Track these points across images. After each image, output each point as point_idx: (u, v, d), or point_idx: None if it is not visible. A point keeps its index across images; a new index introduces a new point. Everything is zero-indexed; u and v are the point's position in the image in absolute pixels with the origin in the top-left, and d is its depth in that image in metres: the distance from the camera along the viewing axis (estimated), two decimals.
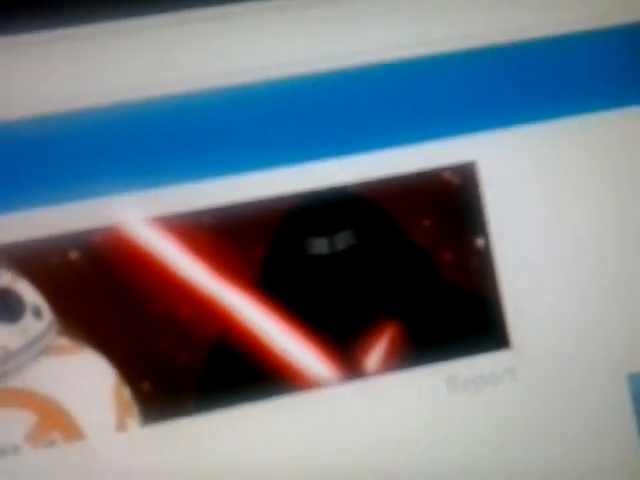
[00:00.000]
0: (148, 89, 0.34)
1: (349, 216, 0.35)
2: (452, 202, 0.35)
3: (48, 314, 0.34)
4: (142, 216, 0.34)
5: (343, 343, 0.35)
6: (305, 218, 0.35)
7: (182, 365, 0.34)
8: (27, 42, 0.33)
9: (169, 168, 0.34)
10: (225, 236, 0.35)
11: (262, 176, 0.34)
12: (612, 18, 0.37)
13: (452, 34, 0.35)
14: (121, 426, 0.33)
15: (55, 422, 0.33)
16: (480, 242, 0.35)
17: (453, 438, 0.34)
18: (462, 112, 0.35)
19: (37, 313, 0.34)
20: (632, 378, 0.35)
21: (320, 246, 0.35)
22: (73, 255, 0.34)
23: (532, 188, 0.35)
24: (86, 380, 0.34)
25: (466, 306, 0.35)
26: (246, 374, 0.34)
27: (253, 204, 0.34)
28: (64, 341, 0.34)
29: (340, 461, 0.34)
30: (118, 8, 0.34)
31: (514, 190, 0.35)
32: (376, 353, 0.35)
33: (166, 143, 0.34)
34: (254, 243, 0.35)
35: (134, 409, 0.34)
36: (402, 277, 0.35)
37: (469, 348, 0.35)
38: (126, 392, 0.34)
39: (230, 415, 0.34)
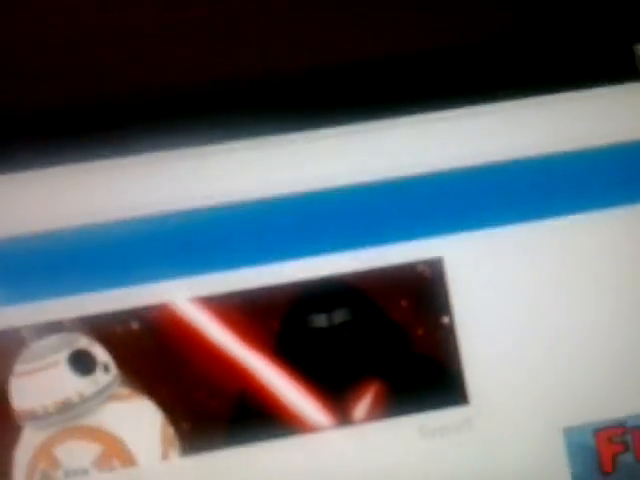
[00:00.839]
0: (192, 203, 0.45)
1: (343, 299, 0.45)
2: (424, 288, 0.45)
3: (114, 369, 0.44)
4: (185, 297, 0.45)
5: (337, 397, 0.44)
6: (309, 300, 0.45)
7: (214, 411, 0.44)
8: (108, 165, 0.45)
9: (208, 262, 0.45)
10: (248, 313, 0.45)
11: (277, 267, 0.45)
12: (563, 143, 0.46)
13: (432, 157, 0.46)
14: (165, 456, 0.44)
15: (116, 452, 0.43)
16: (445, 320, 0.45)
17: (425, 475, 0.44)
18: (431, 219, 0.45)
19: (106, 368, 0.44)
20: (567, 431, 0.44)
21: (320, 321, 0.45)
22: (134, 325, 0.45)
23: (488, 277, 0.45)
24: (140, 420, 0.44)
25: (434, 369, 0.45)
26: (262, 420, 0.44)
27: (270, 289, 0.45)
28: (125, 390, 0.44)
29: None
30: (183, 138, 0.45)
31: (473, 279, 0.45)
32: (363, 405, 0.44)
33: (206, 244, 0.45)
34: (270, 318, 0.45)
35: (176, 443, 0.44)
36: (384, 346, 0.45)
37: (436, 403, 0.44)
38: (170, 430, 0.44)
39: (250, 451, 0.44)
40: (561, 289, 0.45)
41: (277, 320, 0.45)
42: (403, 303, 0.45)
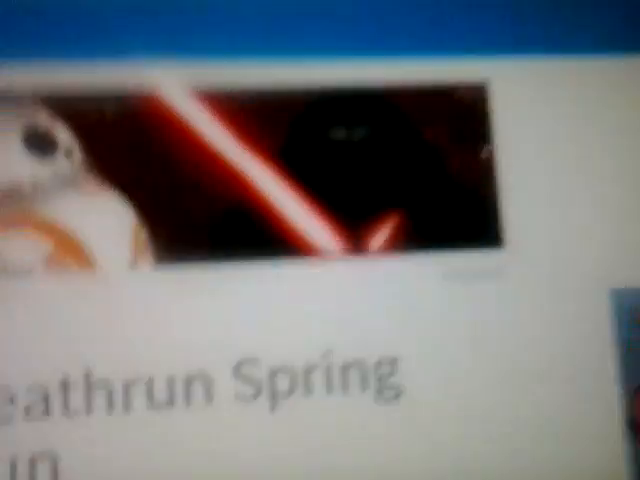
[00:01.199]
0: None
1: (369, 110, 0.38)
2: (465, 114, 0.38)
3: (79, 155, 0.36)
4: (177, 83, 0.36)
5: (351, 222, 0.37)
6: (328, 105, 0.37)
7: (199, 220, 0.36)
8: None
9: (207, 48, 0.37)
10: (254, 112, 0.37)
11: (296, 65, 0.37)
12: None
13: None
14: (134, 264, 0.35)
15: (71, 251, 0.35)
16: (486, 151, 0.38)
17: (445, 322, 0.36)
18: (480, 38, 0.38)
19: (68, 153, 0.36)
20: (613, 291, 0.37)
21: (338, 133, 0.37)
22: (111, 108, 0.36)
23: (536, 109, 0.38)
24: (106, 219, 0.35)
25: (467, 205, 0.37)
26: (256, 235, 0.36)
27: (284, 86, 0.37)
28: (90, 182, 0.36)
29: (331, 323, 0.35)
30: None
31: (520, 109, 0.38)
32: (380, 235, 0.37)
33: (207, 27, 0.37)
34: (279, 122, 0.37)
35: (149, 250, 0.35)
36: (412, 169, 0.37)
37: (466, 243, 0.37)
38: (143, 235, 0.35)
39: (234, 269, 0.35)
40: (614, 130, 0.38)
41: (287, 124, 0.37)
42: (440, 126, 0.38)
